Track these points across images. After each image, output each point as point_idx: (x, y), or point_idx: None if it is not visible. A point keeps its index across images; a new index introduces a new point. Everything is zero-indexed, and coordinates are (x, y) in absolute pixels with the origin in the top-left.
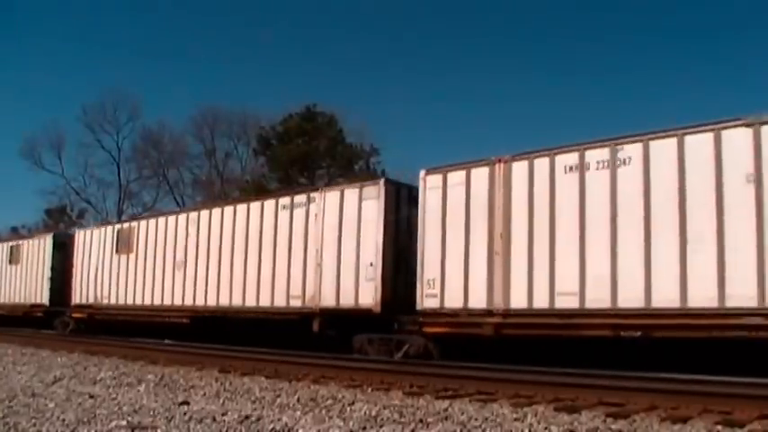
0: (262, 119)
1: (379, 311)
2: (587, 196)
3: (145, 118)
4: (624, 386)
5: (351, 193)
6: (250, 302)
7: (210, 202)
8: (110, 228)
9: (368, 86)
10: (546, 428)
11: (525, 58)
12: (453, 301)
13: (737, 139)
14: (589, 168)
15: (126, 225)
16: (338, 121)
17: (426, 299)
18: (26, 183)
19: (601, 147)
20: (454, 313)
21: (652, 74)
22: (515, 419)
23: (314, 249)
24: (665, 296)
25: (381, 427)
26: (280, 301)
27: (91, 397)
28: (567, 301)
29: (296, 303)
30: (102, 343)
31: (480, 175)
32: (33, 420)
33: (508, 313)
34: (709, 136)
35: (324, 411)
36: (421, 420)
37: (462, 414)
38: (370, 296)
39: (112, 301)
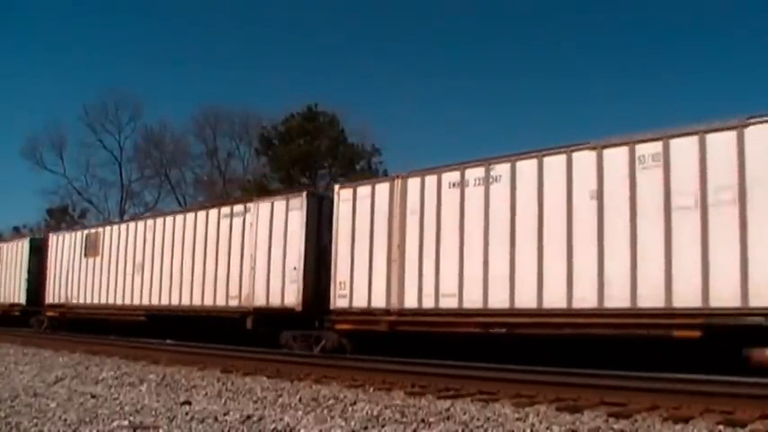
0: (263, 118)
1: (300, 310)
2: (466, 209)
3: (146, 118)
4: (626, 386)
5: (279, 204)
6: (196, 302)
7: (167, 210)
8: (79, 233)
9: (370, 86)
10: (548, 428)
11: (526, 59)
12: (360, 301)
13: (584, 161)
14: (468, 185)
15: (94, 230)
16: (340, 121)
17: (338, 299)
18: (28, 183)
19: (478, 166)
20: (360, 312)
21: (652, 75)
22: (517, 419)
23: (248, 255)
24: (527, 298)
25: (383, 426)
26: (220, 301)
27: (93, 397)
28: (449, 302)
29: (233, 303)
30: (104, 343)
31: (383, 190)
32: (35, 420)
33: (402, 312)
34: (563, 157)
35: (325, 411)
36: (423, 420)
37: (464, 414)
38: (293, 297)
39: (81, 300)
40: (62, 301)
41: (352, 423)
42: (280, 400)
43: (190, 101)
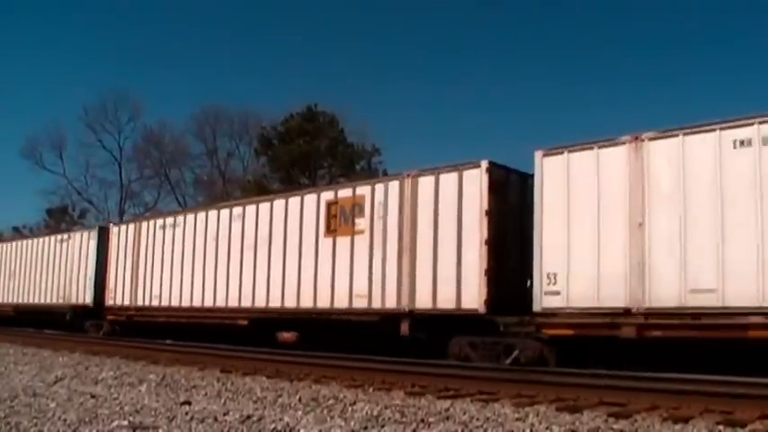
0: (263, 118)
1: (92, 306)
2: (165, 244)
3: (146, 118)
4: (626, 386)
5: (85, 235)
6: (42, 301)
7: (26, 236)
8: None
9: (369, 86)
10: (547, 428)
11: (527, 59)
12: (119, 300)
13: (212, 216)
14: (166, 227)
15: None
16: (339, 121)
17: (109, 299)
18: (28, 183)
19: (171, 216)
20: (118, 308)
21: (654, 77)
22: (517, 419)
23: (69, 268)
24: (186, 299)
25: (383, 427)
26: (55, 301)
27: (92, 397)
28: (155, 302)
29: (61, 302)
30: (104, 343)
31: (132, 229)
32: (35, 420)
33: (135, 308)
34: (204, 214)
35: (325, 411)
36: (422, 420)
37: (464, 414)
38: (89, 298)
39: None
40: None
41: (352, 423)
42: (279, 400)
43: (189, 101)
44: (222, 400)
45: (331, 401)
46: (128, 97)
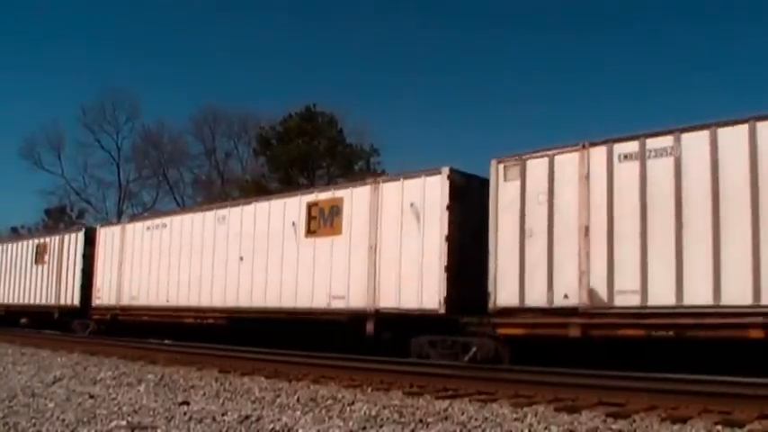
0: (262, 118)
1: None
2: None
3: (144, 118)
4: (624, 386)
5: None
6: None
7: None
8: None
9: (368, 86)
10: (546, 428)
11: (527, 58)
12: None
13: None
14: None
15: None
16: (338, 121)
17: None
18: (26, 183)
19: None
20: None
21: (655, 74)
22: (515, 419)
23: None
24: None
25: (381, 427)
26: None
27: (91, 397)
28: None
29: None
30: (102, 343)
31: None
32: (33, 420)
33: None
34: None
35: (324, 411)
36: (421, 420)
37: (462, 414)
38: None
39: None
40: None
41: (351, 423)
42: (278, 400)
43: (188, 101)
44: (221, 401)
45: (329, 401)
46: (126, 97)
